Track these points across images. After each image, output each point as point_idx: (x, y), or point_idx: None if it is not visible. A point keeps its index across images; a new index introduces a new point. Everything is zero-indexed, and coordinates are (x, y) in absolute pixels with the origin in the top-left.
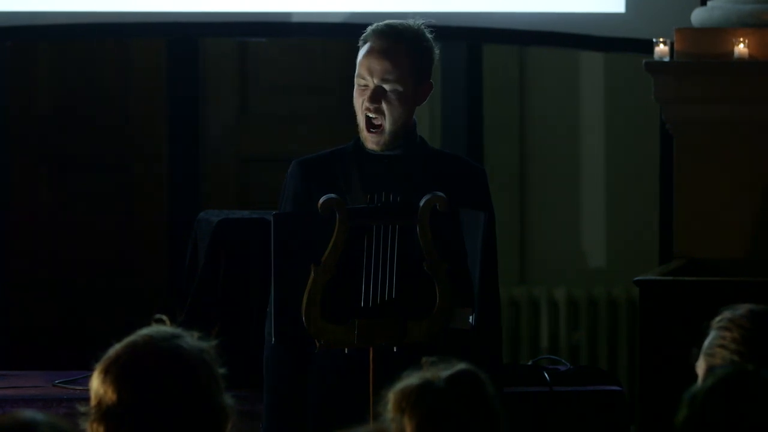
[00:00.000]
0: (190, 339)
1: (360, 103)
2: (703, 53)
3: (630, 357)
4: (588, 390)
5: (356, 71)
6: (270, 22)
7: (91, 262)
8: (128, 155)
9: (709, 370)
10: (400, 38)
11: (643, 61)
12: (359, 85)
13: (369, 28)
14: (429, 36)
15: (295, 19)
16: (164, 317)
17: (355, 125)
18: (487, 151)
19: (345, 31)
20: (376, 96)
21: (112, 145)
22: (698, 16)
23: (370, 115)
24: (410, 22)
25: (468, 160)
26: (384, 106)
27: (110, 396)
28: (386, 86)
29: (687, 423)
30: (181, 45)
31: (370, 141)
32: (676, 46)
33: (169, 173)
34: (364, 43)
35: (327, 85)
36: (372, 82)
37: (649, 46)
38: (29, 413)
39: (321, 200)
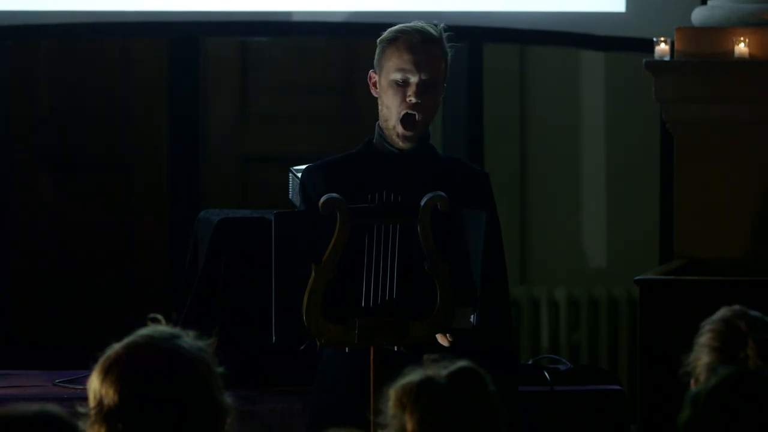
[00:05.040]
0: (189, 338)
1: (398, 101)
2: (703, 53)
3: (630, 357)
4: (588, 390)
5: (389, 70)
6: (270, 21)
7: (91, 261)
8: (128, 155)
9: (710, 371)
10: (435, 37)
11: (644, 60)
12: (396, 81)
13: (397, 29)
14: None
15: (295, 19)
16: (159, 316)
17: (356, 125)
18: (487, 151)
19: (345, 30)
20: (422, 90)
21: (112, 145)
22: (699, 15)
23: (411, 112)
24: (432, 24)
25: (471, 164)
26: (425, 100)
27: (111, 397)
28: (427, 79)
29: (689, 423)
30: (182, 45)
31: (404, 140)
32: (676, 46)
33: (169, 173)
34: (392, 42)
35: (327, 85)
36: (418, 76)
37: (649, 46)
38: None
39: (322, 200)
